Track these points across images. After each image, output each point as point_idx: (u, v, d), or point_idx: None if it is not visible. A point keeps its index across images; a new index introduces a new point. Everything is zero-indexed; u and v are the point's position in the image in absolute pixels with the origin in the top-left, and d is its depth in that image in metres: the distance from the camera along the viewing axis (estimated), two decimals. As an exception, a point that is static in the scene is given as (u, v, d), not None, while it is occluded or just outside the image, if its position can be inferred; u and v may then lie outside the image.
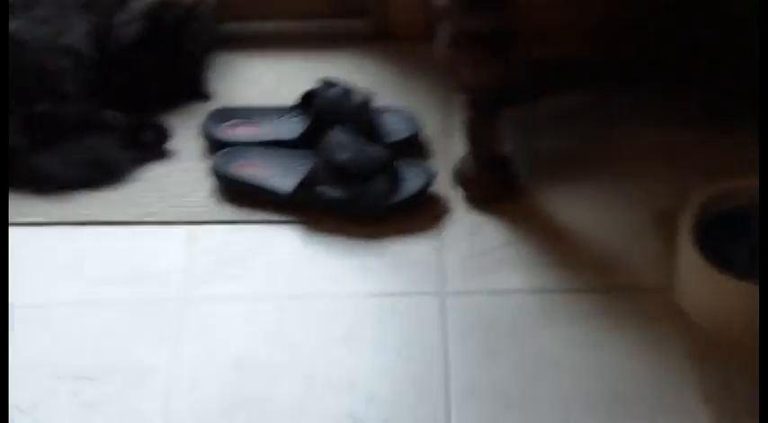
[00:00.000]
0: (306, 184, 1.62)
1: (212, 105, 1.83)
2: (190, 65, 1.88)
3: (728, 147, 1.65)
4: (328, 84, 1.77)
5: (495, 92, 1.60)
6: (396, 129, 1.76)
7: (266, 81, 1.92)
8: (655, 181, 1.65)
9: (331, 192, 1.61)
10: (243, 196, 1.65)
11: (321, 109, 1.73)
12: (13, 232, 1.55)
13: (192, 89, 1.88)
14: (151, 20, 1.82)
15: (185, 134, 1.78)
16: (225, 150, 1.70)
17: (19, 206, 1.63)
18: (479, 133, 1.62)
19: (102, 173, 1.68)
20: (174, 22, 1.84)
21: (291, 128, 1.76)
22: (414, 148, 1.74)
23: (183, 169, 1.72)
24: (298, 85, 1.85)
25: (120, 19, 1.81)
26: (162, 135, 1.75)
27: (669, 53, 1.70)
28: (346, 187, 1.61)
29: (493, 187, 1.64)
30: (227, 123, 1.77)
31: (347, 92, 1.75)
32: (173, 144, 1.75)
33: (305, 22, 2.03)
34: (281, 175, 1.66)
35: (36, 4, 1.78)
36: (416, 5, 1.94)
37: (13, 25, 1.72)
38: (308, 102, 1.77)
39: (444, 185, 1.66)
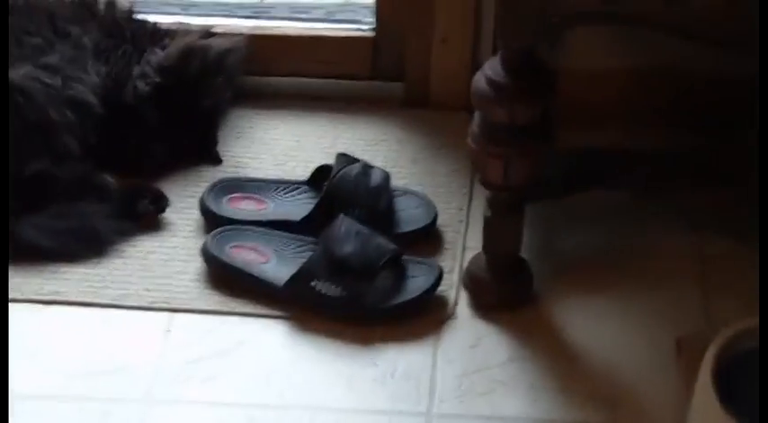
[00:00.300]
0: (300, 278, 1.46)
1: (221, 170, 1.71)
2: (203, 123, 1.75)
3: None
4: (346, 159, 1.62)
5: (521, 191, 1.45)
6: (410, 216, 1.60)
7: (284, 143, 1.77)
8: (680, 300, 1.48)
9: (328, 288, 1.45)
10: (233, 282, 1.51)
11: (334, 189, 1.58)
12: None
13: (202, 149, 1.74)
14: (168, 74, 1.69)
15: (184, 203, 1.64)
16: (220, 229, 1.55)
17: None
18: (497, 234, 1.46)
19: (85, 244, 1.55)
20: (194, 76, 1.71)
21: (299, 207, 1.61)
22: (425, 238, 1.59)
23: (173, 245, 1.58)
24: (317, 151, 1.73)
25: (137, 72, 1.69)
26: (159, 205, 1.61)
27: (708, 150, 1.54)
28: (345, 284, 1.45)
29: (504, 294, 1.47)
30: (230, 196, 1.63)
31: (365, 170, 1.60)
32: (169, 214, 1.62)
33: (337, 81, 1.87)
34: (278, 264, 1.51)
35: (50, 49, 1.67)
36: (459, 74, 1.78)
37: (20, 72, 1.61)
38: (323, 177, 1.63)
39: (451, 284, 1.50)
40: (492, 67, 1.37)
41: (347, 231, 1.48)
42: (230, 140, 1.77)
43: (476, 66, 1.73)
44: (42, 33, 1.67)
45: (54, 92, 1.61)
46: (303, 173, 1.68)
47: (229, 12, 1.96)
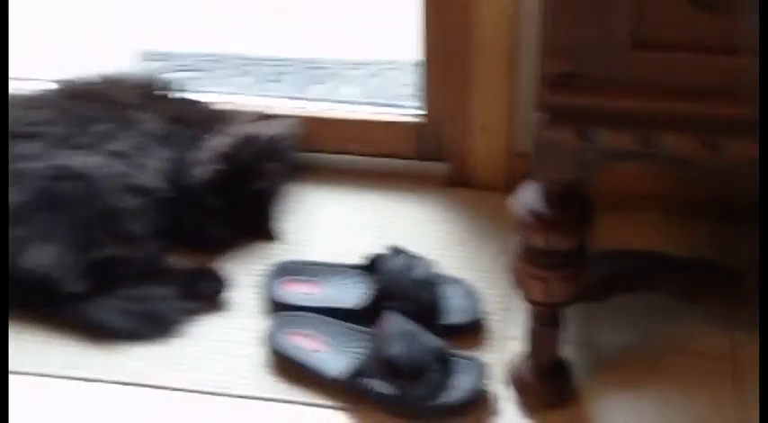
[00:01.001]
0: (353, 376, 1.53)
1: (277, 247, 1.78)
2: (259, 203, 1.81)
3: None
4: (393, 250, 1.69)
5: (562, 306, 1.49)
6: (456, 306, 1.66)
7: (337, 222, 1.84)
8: (715, 401, 1.52)
9: (379, 386, 1.52)
10: (291, 368, 1.57)
11: (382, 282, 1.64)
12: (57, 385, 1.53)
13: (258, 227, 1.81)
14: (227, 160, 1.76)
15: (245, 282, 1.71)
16: (277, 315, 1.63)
17: (66, 357, 1.59)
18: (540, 343, 1.51)
19: (153, 326, 1.62)
20: (250, 161, 1.78)
21: (352, 294, 1.67)
22: (471, 330, 1.64)
23: (237, 326, 1.64)
24: (368, 230, 1.80)
25: (196, 157, 1.76)
26: (220, 285, 1.68)
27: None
28: (395, 383, 1.52)
29: (547, 395, 1.53)
30: (288, 279, 1.70)
31: (411, 262, 1.67)
32: (231, 293, 1.69)
33: (385, 159, 1.94)
34: (333, 353, 1.58)
35: (116, 135, 1.73)
36: (497, 158, 1.86)
37: (90, 161, 1.67)
38: (373, 263, 1.69)
39: (497, 379, 1.56)
40: (531, 195, 1.40)
41: (394, 331, 1.55)
42: (286, 217, 1.84)
43: (512, 150, 1.85)
44: (110, 121, 1.75)
45: (118, 180, 1.68)
46: (355, 252, 1.74)
47: (282, 92, 2.05)
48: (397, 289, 1.63)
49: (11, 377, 1.51)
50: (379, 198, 1.89)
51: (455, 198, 1.89)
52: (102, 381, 1.57)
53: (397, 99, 1.99)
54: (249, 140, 1.78)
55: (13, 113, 1.73)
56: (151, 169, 1.72)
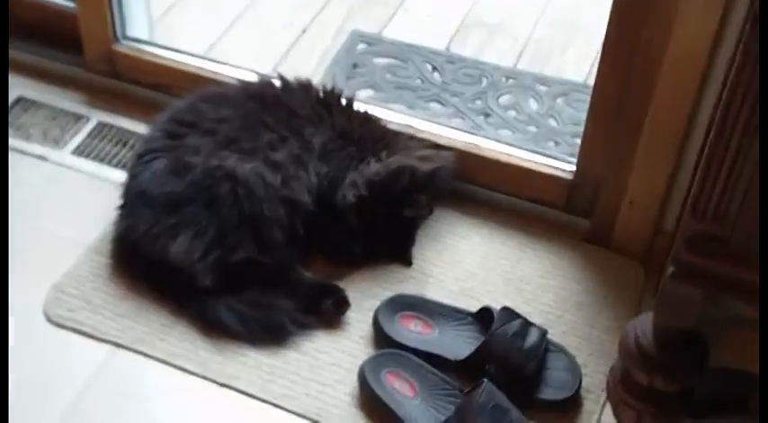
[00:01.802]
0: (435, 440, 1.55)
1: (408, 273, 1.78)
2: (403, 230, 1.82)
3: None
4: (508, 315, 1.67)
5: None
6: (556, 380, 1.64)
7: (471, 258, 1.83)
8: None
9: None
10: (379, 408, 1.59)
11: (489, 344, 1.63)
12: (154, 368, 1.61)
13: (396, 253, 1.81)
14: (378, 189, 1.75)
15: (366, 303, 1.73)
16: (383, 353, 1.64)
17: (179, 345, 1.65)
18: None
19: (269, 334, 1.66)
20: (400, 193, 1.77)
21: (459, 344, 1.67)
22: (565, 406, 1.62)
23: (342, 349, 1.67)
24: (498, 272, 1.79)
25: (349, 179, 1.76)
26: (340, 309, 1.70)
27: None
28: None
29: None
30: (405, 313, 1.71)
31: (523, 330, 1.64)
32: (349, 312, 1.71)
33: (532, 203, 1.91)
34: (422, 404, 1.59)
35: (280, 145, 1.75)
36: (642, 228, 1.80)
37: (248, 166, 1.70)
38: (488, 316, 1.68)
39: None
40: (643, 328, 1.35)
41: (484, 404, 1.53)
42: (426, 242, 1.84)
43: (659, 226, 1.79)
44: (278, 130, 1.76)
45: (272, 190, 1.70)
46: (479, 292, 1.75)
47: (449, 119, 2.03)
48: (503, 355, 1.62)
49: (115, 348, 1.62)
50: (517, 241, 1.86)
51: (590, 256, 1.84)
52: (197, 375, 1.63)
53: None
54: (402, 173, 1.77)
55: (202, 106, 1.78)
56: (305, 183, 1.73)
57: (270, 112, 1.77)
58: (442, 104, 2.18)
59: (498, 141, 1.93)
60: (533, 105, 2.20)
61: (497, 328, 1.65)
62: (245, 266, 1.68)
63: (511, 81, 2.26)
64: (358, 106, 1.87)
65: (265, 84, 1.86)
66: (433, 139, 1.89)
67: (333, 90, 1.86)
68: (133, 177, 1.75)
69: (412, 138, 1.87)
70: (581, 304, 1.77)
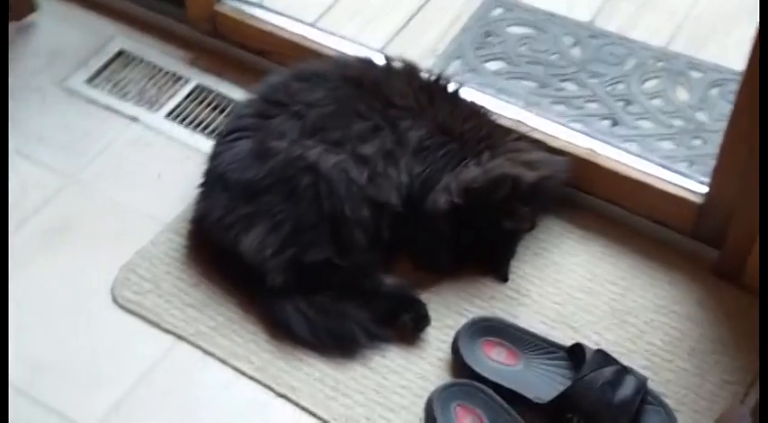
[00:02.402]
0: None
1: (501, 290, 1.59)
2: (501, 242, 1.62)
3: None
4: (603, 359, 1.47)
5: None
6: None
7: (576, 278, 1.62)
8: None
9: None
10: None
11: (576, 391, 1.43)
12: (213, 366, 1.50)
13: (491, 266, 1.62)
14: (473, 197, 1.56)
15: (449, 319, 1.56)
16: (452, 383, 1.47)
17: (240, 343, 1.53)
18: None
19: (337, 345, 1.51)
20: (499, 202, 1.56)
21: (544, 382, 1.49)
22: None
23: (415, 372, 1.51)
24: (605, 299, 1.59)
25: (443, 183, 1.56)
26: (418, 325, 1.54)
27: None
28: None
29: None
30: (486, 339, 1.53)
31: (617, 379, 1.44)
32: (428, 330, 1.54)
33: (653, 224, 1.67)
34: (488, 449, 1.44)
35: (372, 137, 1.57)
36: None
37: (333, 160, 1.54)
38: (581, 358, 1.48)
39: None
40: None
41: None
42: (527, 255, 1.64)
43: None
44: (372, 119, 1.58)
45: (356, 188, 1.53)
46: (578, 323, 1.56)
47: (573, 121, 1.81)
48: (590, 407, 1.43)
49: (176, 340, 1.52)
50: (633, 266, 1.64)
51: (715, 293, 1.61)
52: (255, 379, 1.50)
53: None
54: (506, 182, 1.56)
55: (296, 85, 1.61)
56: (394, 182, 1.56)
57: (365, 98, 1.59)
58: (578, 85, 1.94)
59: (619, 149, 1.70)
60: (682, 95, 1.93)
61: (587, 373, 1.45)
62: (321, 268, 1.52)
63: (660, 64, 1.98)
64: (465, 97, 1.66)
65: (366, 64, 1.67)
66: (546, 140, 1.67)
67: (439, 77, 1.66)
68: (216, 156, 1.61)
69: (521, 138, 1.65)
70: (695, 350, 1.55)
